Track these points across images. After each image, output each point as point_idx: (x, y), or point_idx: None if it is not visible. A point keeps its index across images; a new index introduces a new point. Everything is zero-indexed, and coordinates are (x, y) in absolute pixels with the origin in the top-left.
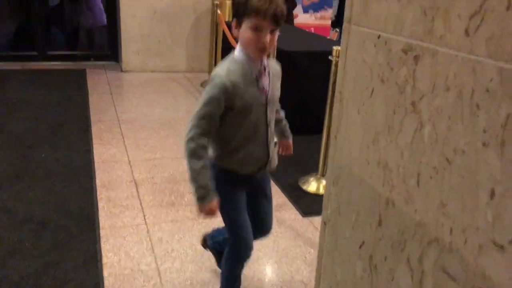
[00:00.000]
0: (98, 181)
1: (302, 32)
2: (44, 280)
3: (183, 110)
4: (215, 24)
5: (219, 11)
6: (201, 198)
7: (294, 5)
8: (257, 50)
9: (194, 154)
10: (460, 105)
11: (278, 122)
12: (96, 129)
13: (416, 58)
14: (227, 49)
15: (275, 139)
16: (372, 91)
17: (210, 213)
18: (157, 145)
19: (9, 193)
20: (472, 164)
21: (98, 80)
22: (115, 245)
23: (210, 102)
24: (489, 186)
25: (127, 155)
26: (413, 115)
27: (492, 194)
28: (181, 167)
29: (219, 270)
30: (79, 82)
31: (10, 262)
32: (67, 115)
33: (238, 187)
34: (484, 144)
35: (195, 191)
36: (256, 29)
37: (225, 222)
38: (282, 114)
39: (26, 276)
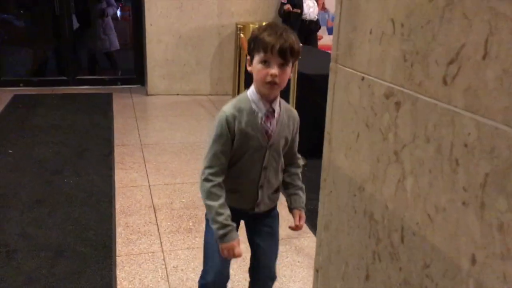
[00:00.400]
0: (117, 207)
1: (324, 54)
2: None
3: (205, 134)
4: (238, 48)
5: (242, 35)
6: (222, 237)
7: (319, 27)
8: (266, 84)
9: (210, 194)
10: (440, 159)
11: (292, 184)
12: (118, 153)
13: (398, 105)
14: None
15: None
16: (358, 135)
17: (230, 252)
18: (177, 169)
19: (30, 219)
20: (453, 224)
21: (123, 103)
22: (130, 272)
23: (218, 139)
24: (470, 251)
25: (148, 179)
26: (396, 165)
27: (473, 260)
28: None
29: None
30: (105, 106)
31: None
32: (92, 139)
33: None
34: (464, 204)
35: (216, 231)
36: (265, 63)
37: (204, 250)
38: (298, 182)
39: None
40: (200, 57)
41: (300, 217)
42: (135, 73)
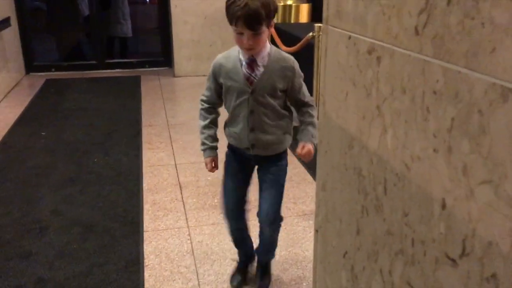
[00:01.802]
0: (145, 185)
1: None
2: (88, 282)
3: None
4: None
5: None
6: (202, 151)
7: None
8: (244, 49)
9: (200, 114)
10: (414, 108)
11: (302, 121)
12: (146, 134)
13: (379, 59)
14: None
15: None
16: (347, 94)
17: (211, 166)
18: None
19: (62, 196)
20: (426, 171)
21: (151, 86)
22: (157, 247)
23: (208, 78)
24: (441, 196)
25: (174, 158)
26: (378, 119)
27: (444, 204)
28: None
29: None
30: (133, 89)
31: (57, 263)
32: (120, 121)
33: (235, 157)
34: (434, 150)
35: (201, 146)
36: (238, 33)
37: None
38: (308, 119)
39: (72, 277)
40: (226, 37)
41: (303, 147)
42: (162, 56)
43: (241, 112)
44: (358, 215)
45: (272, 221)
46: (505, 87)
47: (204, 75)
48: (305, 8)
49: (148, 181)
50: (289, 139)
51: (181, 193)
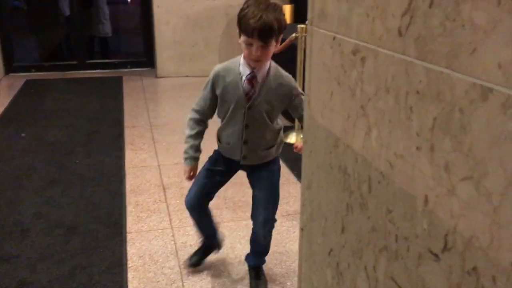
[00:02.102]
0: (127, 186)
1: None
2: (71, 284)
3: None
4: None
5: None
6: (184, 160)
7: None
8: (251, 61)
9: (187, 124)
10: (397, 108)
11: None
12: (128, 135)
13: (363, 60)
14: None
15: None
16: (332, 94)
17: (188, 175)
18: None
19: (44, 198)
20: (409, 169)
21: (133, 86)
22: (141, 248)
23: (205, 88)
24: (423, 192)
25: (157, 159)
26: (363, 118)
27: (426, 201)
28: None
29: (241, 274)
30: (115, 89)
31: (40, 265)
32: (102, 121)
33: (220, 158)
34: (417, 149)
35: (183, 154)
36: (248, 44)
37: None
38: None
39: (54, 280)
40: (209, 38)
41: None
42: (144, 56)
43: (236, 125)
44: (343, 213)
45: (265, 224)
46: (484, 86)
47: (186, 76)
48: (287, 9)
49: (131, 182)
50: (279, 149)
51: (165, 194)
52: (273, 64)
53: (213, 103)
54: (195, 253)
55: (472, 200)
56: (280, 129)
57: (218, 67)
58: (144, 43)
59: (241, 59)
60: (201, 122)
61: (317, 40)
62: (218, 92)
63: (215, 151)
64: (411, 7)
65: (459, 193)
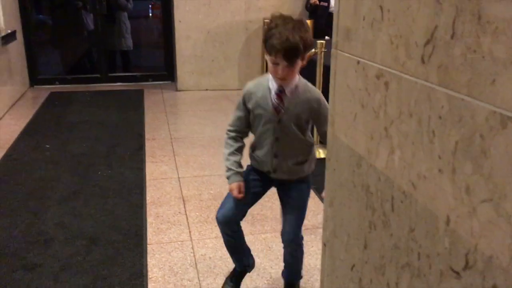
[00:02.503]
0: (148, 198)
1: None
2: None
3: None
4: None
5: None
6: (227, 178)
7: None
8: (277, 78)
9: (225, 144)
10: (420, 131)
11: None
12: (149, 147)
13: (386, 84)
14: None
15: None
16: (355, 116)
17: (232, 192)
18: (206, 162)
19: (66, 209)
20: (431, 190)
21: (154, 99)
22: (161, 260)
23: (238, 106)
24: (445, 212)
25: (177, 172)
26: (386, 140)
27: (448, 220)
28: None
29: (259, 286)
30: (136, 102)
31: (62, 275)
32: (124, 134)
33: (253, 172)
34: (439, 171)
35: (225, 173)
36: (274, 63)
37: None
38: None
39: None
40: (228, 53)
41: None
42: (165, 70)
43: (267, 138)
44: (366, 230)
45: (291, 240)
46: (504, 115)
47: (206, 90)
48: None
49: (151, 194)
50: (311, 165)
51: (184, 206)
52: (302, 79)
53: (247, 120)
54: (228, 282)
55: (492, 221)
56: (312, 145)
57: (248, 84)
58: (165, 57)
59: (270, 75)
60: (239, 139)
61: (341, 63)
62: (250, 107)
63: (247, 166)
64: (434, 37)
65: (480, 214)
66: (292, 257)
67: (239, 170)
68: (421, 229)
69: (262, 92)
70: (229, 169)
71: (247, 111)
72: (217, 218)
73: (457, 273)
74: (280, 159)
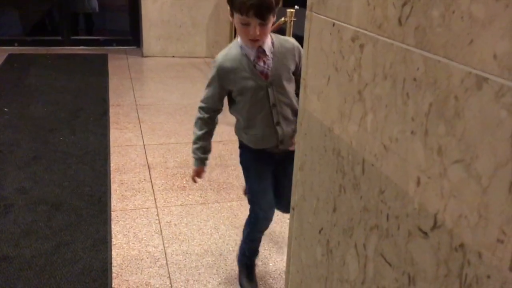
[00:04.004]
0: (112, 165)
1: None
2: (55, 260)
3: (199, 96)
4: None
5: None
6: (194, 161)
7: None
8: (249, 41)
9: (195, 123)
10: (394, 94)
11: None
12: (113, 113)
13: (361, 47)
14: None
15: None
16: (329, 79)
17: (194, 175)
18: (172, 130)
19: (27, 174)
20: (403, 152)
21: (119, 65)
22: (125, 227)
23: (210, 84)
24: (416, 174)
25: (142, 139)
26: (359, 103)
27: (418, 182)
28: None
29: (224, 254)
30: (100, 67)
31: (24, 241)
32: (87, 99)
33: (257, 159)
34: (412, 133)
35: (192, 154)
36: (244, 23)
37: (248, 191)
38: None
39: (38, 255)
40: (196, 19)
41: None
42: (130, 34)
43: (262, 109)
44: (335, 194)
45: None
46: (480, 76)
47: (173, 56)
48: None
49: (115, 161)
50: None
51: (150, 173)
52: (273, 34)
53: (221, 98)
54: (248, 279)
55: (463, 181)
56: None
57: (219, 58)
58: (130, 21)
59: (239, 41)
60: (209, 121)
61: (315, 26)
62: (229, 87)
63: (241, 154)
64: None
65: (450, 174)
66: None
67: (205, 155)
68: (391, 191)
69: (239, 63)
70: (194, 153)
71: (222, 88)
72: (260, 218)
73: (425, 233)
74: (283, 127)
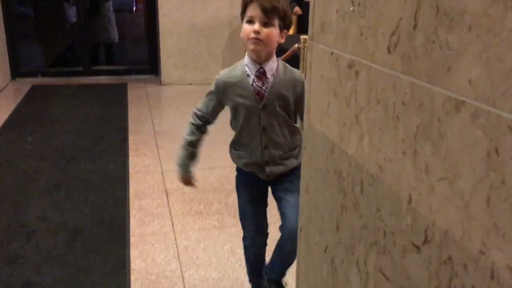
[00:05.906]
0: (131, 191)
1: None
2: (75, 285)
3: (216, 122)
4: None
5: None
6: (178, 168)
7: None
8: (250, 40)
9: (188, 127)
10: (386, 117)
11: None
12: (132, 141)
13: (357, 74)
14: None
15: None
16: (329, 104)
17: (185, 185)
18: None
19: (48, 202)
20: (396, 171)
21: (138, 93)
22: (144, 251)
23: (208, 94)
24: (408, 192)
25: (160, 165)
26: (356, 126)
27: (410, 199)
28: (211, 177)
29: (240, 278)
30: (120, 96)
31: (44, 267)
32: (107, 127)
33: (248, 183)
34: (403, 153)
35: (177, 160)
36: (249, 22)
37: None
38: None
39: (59, 281)
40: (212, 48)
41: None
42: (149, 64)
43: (252, 130)
44: (338, 213)
45: (295, 235)
46: (458, 99)
47: (190, 84)
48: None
49: (134, 187)
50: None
51: (167, 199)
52: (281, 61)
53: (215, 110)
54: None
55: (448, 198)
56: (299, 130)
57: (222, 73)
58: (149, 51)
59: (245, 58)
60: (202, 128)
61: (316, 54)
62: (226, 102)
63: (236, 178)
64: (398, 28)
65: (437, 191)
66: (294, 251)
67: (190, 162)
68: (386, 208)
69: (239, 77)
70: (180, 158)
71: (219, 101)
72: (247, 249)
73: (418, 247)
74: (271, 151)
